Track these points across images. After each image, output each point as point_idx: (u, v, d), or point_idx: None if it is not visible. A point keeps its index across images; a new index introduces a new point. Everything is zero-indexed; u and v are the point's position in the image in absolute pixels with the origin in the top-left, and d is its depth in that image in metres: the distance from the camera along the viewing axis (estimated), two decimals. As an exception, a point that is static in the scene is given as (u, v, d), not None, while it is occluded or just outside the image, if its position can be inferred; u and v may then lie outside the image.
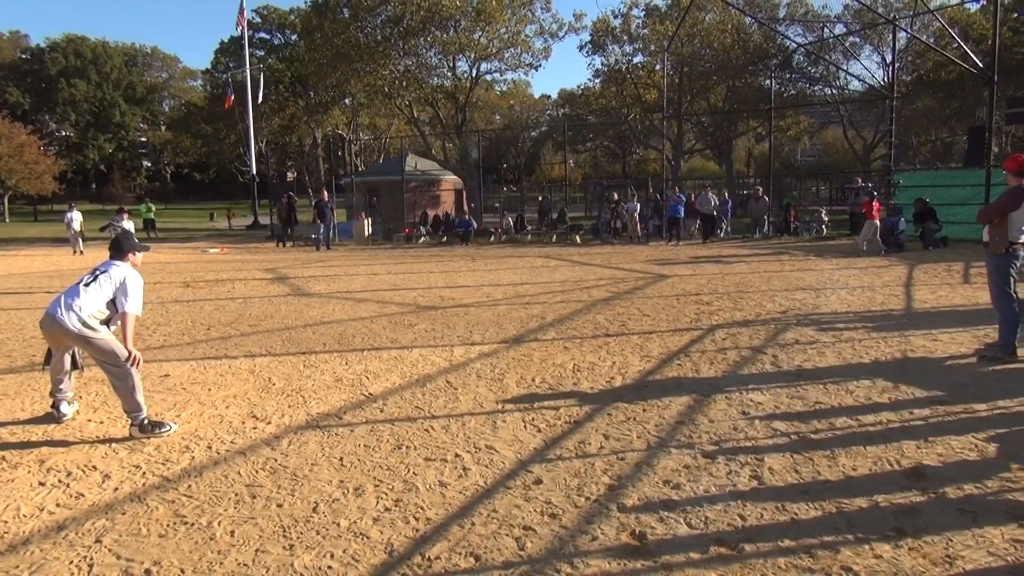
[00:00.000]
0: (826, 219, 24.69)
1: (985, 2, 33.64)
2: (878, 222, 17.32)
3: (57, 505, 4.00)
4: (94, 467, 4.54)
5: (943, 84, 36.53)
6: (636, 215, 24.15)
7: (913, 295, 10.70)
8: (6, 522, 3.79)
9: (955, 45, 28.71)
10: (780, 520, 3.60)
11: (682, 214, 22.86)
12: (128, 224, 20.59)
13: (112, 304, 5.09)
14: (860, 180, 25.86)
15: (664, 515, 3.69)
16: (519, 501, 3.90)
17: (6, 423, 5.44)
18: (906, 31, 27.92)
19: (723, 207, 25.18)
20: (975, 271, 13.03)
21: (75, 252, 23.03)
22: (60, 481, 4.33)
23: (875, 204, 17.41)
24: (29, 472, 4.47)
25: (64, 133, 79.29)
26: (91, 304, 5.00)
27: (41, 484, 4.29)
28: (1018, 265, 6.49)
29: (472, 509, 3.83)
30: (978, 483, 3.93)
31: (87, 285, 5.09)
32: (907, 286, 11.63)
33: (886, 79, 36.02)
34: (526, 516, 3.72)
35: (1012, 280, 6.51)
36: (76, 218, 23.54)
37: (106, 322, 5.09)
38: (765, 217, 24.28)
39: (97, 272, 5.21)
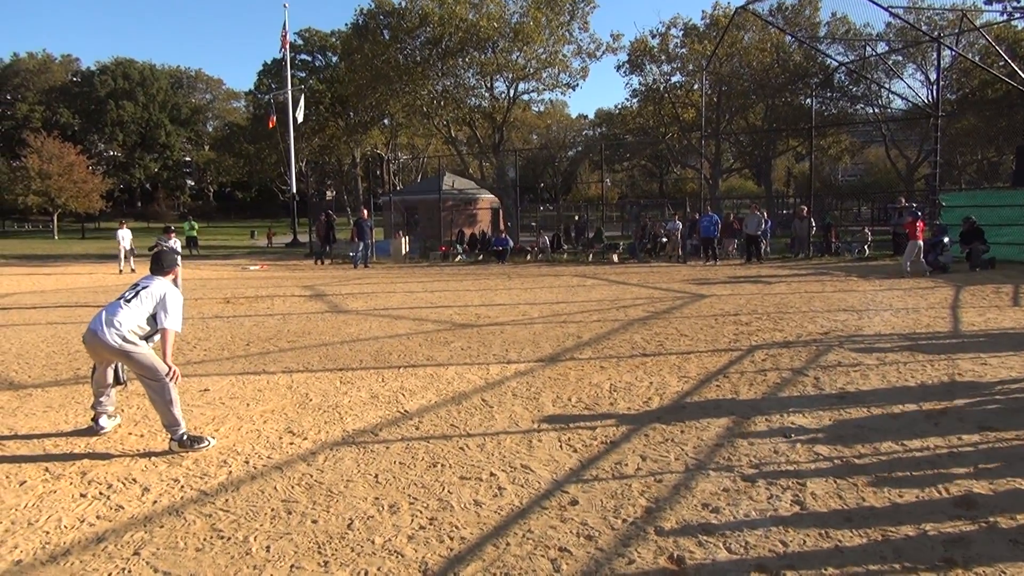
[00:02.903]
0: (869, 239, 24.25)
1: (1033, 19, 32.94)
2: (922, 242, 16.95)
3: (97, 517, 4.04)
4: (134, 480, 4.60)
5: (990, 102, 35.82)
6: (678, 234, 24.02)
7: (960, 317, 10.43)
8: (47, 533, 3.85)
9: (1002, 63, 28.18)
10: (823, 547, 3.50)
11: (715, 234, 22.62)
12: (175, 243, 21.03)
13: (153, 320, 5.17)
14: (903, 200, 25.41)
15: (703, 539, 3.61)
16: (555, 522, 3.85)
17: (50, 435, 5.54)
18: (951, 49, 27.50)
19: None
20: (1025, 293, 12.68)
21: (120, 270, 23.50)
22: (100, 493, 4.38)
23: (919, 224, 17.05)
24: (71, 484, 4.54)
25: (111, 153, 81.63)
26: (132, 320, 5.08)
27: (82, 496, 4.35)
28: None
29: (507, 529, 3.78)
30: (1032, 513, 3.78)
31: (128, 301, 5.17)
32: (954, 308, 11.34)
33: (930, 97, 35.45)
34: (562, 537, 3.67)
35: None
36: (127, 236, 24.08)
37: (147, 337, 5.17)
38: (807, 237, 23.89)
39: (138, 288, 5.29)
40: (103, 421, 5.52)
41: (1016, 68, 23.03)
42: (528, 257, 26.63)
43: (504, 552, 3.53)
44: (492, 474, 4.58)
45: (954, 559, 3.34)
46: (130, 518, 4.02)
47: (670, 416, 5.73)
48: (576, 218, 34.74)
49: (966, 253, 17.51)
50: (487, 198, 36.82)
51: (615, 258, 24.82)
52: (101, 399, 5.46)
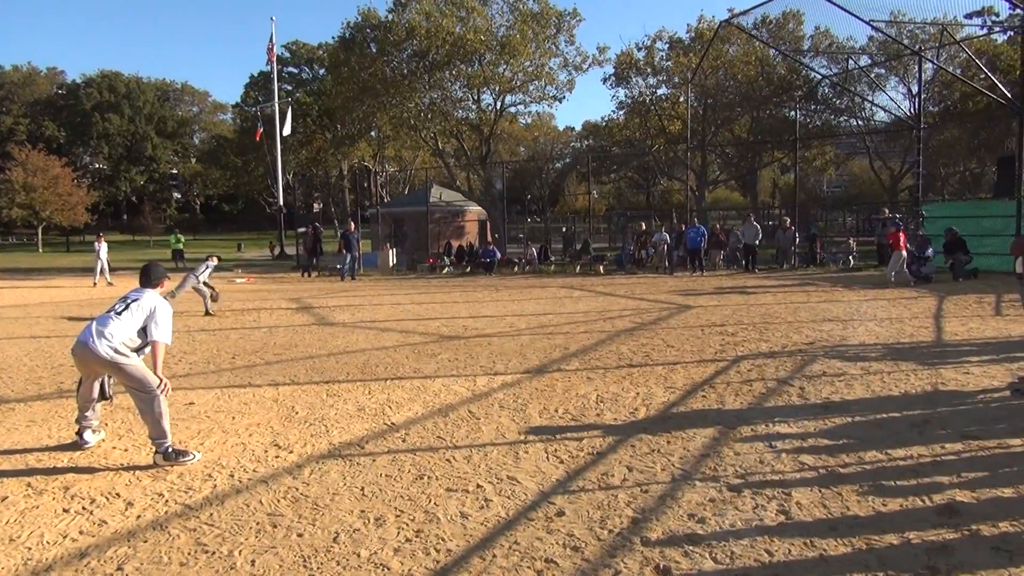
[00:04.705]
0: (855, 249, 24.41)
1: (1012, 33, 33.44)
2: (905, 253, 17.10)
3: (80, 532, 4.01)
4: (118, 494, 4.56)
5: (971, 114, 36.22)
6: (665, 246, 24.13)
7: (943, 327, 10.52)
8: (30, 548, 3.81)
9: (983, 75, 28.54)
10: (808, 556, 3.51)
11: (700, 244, 22.76)
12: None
13: (143, 332, 5.15)
14: (887, 211, 25.61)
15: (689, 549, 3.62)
16: (541, 533, 3.85)
17: (33, 449, 5.49)
18: (932, 62, 27.82)
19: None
20: (1007, 303, 12.81)
21: (109, 282, 23.21)
22: (84, 508, 4.35)
23: (902, 235, 17.21)
24: (54, 499, 4.50)
25: (97, 166, 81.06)
26: (123, 332, 5.06)
27: (65, 511, 4.31)
28: None
29: (493, 541, 3.78)
30: (1014, 521, 3.82)
31: (119, 313, 5.15)
32: (937, 318, 11.44)
33: (913, 110, 35.81)
34: (548, 548, 3.67)
35: None
36: (103, 249, 23.85)
37: (137, 350, 5.15)
38: (792, 248, 24.05)
39: (129, 300, 5.27)
40: (88, 436, 5.47)
41: (996, 81, 23.32)
42: (515, 269, 26.65)
43: (490, 564, 3.53)
44: (479, 486, 4.57)
45: (937, 567, 3.36)
46: (113, 533, 3.99)
47: (656, 427, 5.74)
48: (563, 230, 34.82)
49: (949, 264, 17.67)
50: (474, 210, 36.81)
51: (602, 269, 24.89)
52: (86, 413, 5.41)
